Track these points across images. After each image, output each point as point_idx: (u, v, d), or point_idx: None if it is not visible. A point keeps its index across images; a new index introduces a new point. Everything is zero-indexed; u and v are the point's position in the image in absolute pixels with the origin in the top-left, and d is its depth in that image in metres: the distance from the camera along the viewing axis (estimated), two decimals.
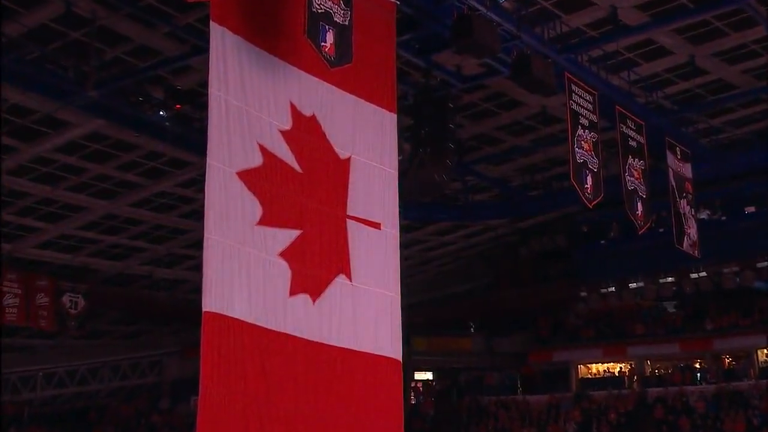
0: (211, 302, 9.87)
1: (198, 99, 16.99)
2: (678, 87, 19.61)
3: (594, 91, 15.54)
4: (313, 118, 11.53)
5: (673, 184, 17.64)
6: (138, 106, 17.36)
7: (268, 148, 10.86)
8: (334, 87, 11.77)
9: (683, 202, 17.87)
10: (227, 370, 9.93)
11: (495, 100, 20.17)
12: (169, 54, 16.64)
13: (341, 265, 11.47)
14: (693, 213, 18.23)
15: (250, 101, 10.75)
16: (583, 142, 15.03)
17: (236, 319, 10.06)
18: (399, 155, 13.09)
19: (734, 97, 20.34)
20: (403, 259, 12.43)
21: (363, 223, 11.83)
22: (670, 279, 28.17)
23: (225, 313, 9.95)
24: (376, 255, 11.90)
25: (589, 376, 30.46)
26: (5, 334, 25.47)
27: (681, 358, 28.80)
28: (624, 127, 16.23)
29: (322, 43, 10.64)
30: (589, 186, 14.98)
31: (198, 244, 12.97)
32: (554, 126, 20.46)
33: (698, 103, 20.39)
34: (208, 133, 10.28)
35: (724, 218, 26.88)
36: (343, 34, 10.91)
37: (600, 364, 30.45)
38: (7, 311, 24.19)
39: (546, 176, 24.54)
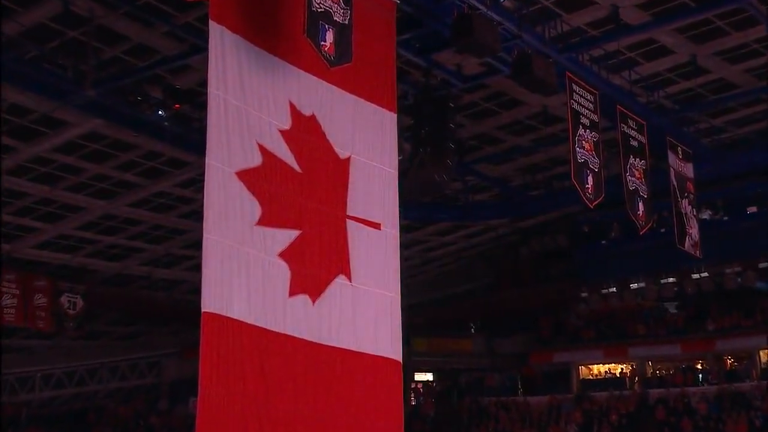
0: (210, 303, 9.83)
1: (197, 98, 16.89)
2: (679, 86, 19.57)
3: (595, 91, 15.53)
4: (312, 117, 11.49)
5: (675, 184, 17.62)
6: (136, 106, 17.27)
7: (268, 148, 10.81)
8: (333, 86, 11.72)
9: (685, 202, 17.85)
10: (226, 371, 9.88)
11: (495, 100, 20.12)
12: (167, 53, 16.59)
13: (341, 265, 11.42)
14: (694, 213, 18.22)
15: (249, 101, 10.70)
16: (584, 142, 15.01)
17: (235, 319, 10.02)
18: (399, 155, 13.06)
19: (736, 97, 20.30)
20: (403, 259, 12.39)
21: (363, 223, 11.78)
22: (671, 279, 27.99)
23: (224, 314, 9.91)
24: (376, 255, 11.85)
25: (590, 377, 30.41)
26: (3, 334, 25.37)
27: (682, 359, 28.76)
28: (625, 127, 16.22)
29: (322, 43, 10.61)
30: (590, 186, 14.96)
31: (197, 245, 12.94)
32: (555, 126, 20.39)
33: (700, 102, 20.34)
34: (207, 133, 10.24)
35: (725, 218, 26.80)
36: (342, 33, 10.87)
37: (601, 364, 30.39)
38: (5, 312, 24.14)
39: (547, 176, 24.46)
